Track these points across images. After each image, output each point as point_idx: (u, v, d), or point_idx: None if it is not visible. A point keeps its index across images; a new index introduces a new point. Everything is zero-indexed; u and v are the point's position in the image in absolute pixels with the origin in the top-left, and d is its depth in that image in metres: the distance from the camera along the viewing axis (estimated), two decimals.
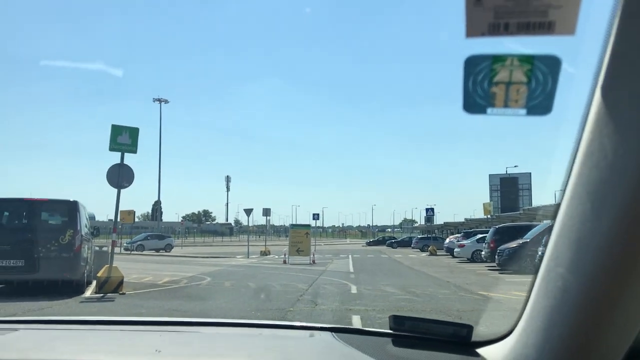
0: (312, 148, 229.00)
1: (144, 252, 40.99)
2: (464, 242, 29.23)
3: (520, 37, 0.76)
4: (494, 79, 0.82)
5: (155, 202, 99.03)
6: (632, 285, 0.84)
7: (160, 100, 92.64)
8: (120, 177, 14.01)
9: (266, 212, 37.11)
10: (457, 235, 38.18)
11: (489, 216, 42.37)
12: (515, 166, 71.76)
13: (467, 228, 49.14)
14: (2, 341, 1.56)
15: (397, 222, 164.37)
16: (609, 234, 0.80)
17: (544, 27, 0.73)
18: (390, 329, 1.53)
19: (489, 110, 0.84)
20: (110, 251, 13.80)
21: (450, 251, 34.58)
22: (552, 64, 0.79)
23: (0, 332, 1.66)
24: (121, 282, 13.05)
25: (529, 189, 67.32)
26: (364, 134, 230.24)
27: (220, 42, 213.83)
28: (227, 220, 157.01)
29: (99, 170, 13.97)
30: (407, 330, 1.50)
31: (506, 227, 23.91)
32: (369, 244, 72.23)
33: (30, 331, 1.76)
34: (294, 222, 34.37)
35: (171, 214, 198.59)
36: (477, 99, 0.83)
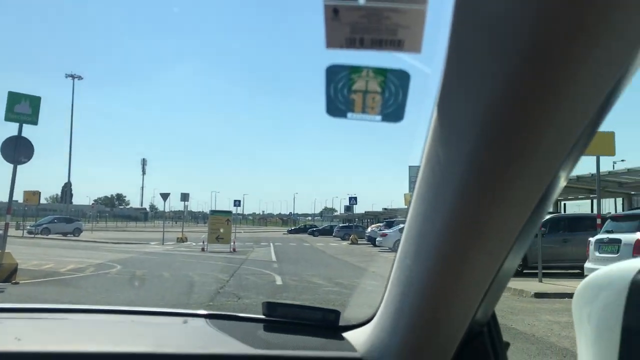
0: (232, 135, 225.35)
1: (50, 236, 37.96)
2: (387, 231, 29.15)
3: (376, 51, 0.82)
4: (353, 87, 0.88)
5: (65, 183, 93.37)
6: (464, 275, 0.95)
7: (73, 77, 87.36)
8: (17, 151, 12.35)
9: (184, 197, 35.32)
10: (378, 224, 38.28)
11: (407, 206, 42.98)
12: None
13: (387, 217, 49.65)
14: None
15: (317, 211, 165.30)
16: (441, 232, 0.90)
17: (395, 44, 0.79)
18: (264, 315, 1.58)
19: (349, 115, 0.89)
20: (3, 234, 12.13)
21: (371, 240, 34.60)
22: (402, 77, 0.86)
23: None
24: (15, 270, 11.56)
25: None
26: (286, 123, 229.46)
27: (140, 22, 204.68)
28: (142, 205, 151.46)
29: None
30: (279, 315, 1.57)
31: None
32: (290, 232, 71.38)
33: None
34: (214, 209, 32.24)
35: (82, 197, 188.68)
36: (338, 104, 0.88)
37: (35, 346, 1.29)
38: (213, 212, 28.89)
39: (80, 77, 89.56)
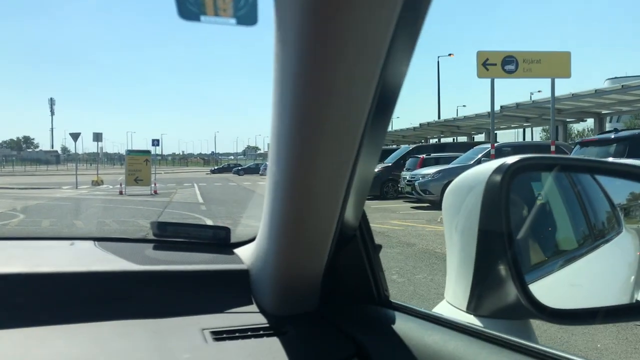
0: (145, 72, 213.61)
1: None
2: None
3: None
4: None
5: None
6: (318, 176, 0.97)
7: None
8: None
9: (97, 137, 32.42)
10: None
11: None
12: None
13: None
14: None
15: (240, 150, 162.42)
16: (288, 132, 0.92)
17: None
18: (154, 235, 1.55)
19: (202, 18, 0.88)
20: None
21: None
22: None
23: None
24: None
25: None
26: (202, 53, 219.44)
27: None
28: (52, 148, 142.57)
29: None
30: (170, 235, 1.54)
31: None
32: (213, 171, 69.20)
33: None
34: (130, 149, 29.84)
35: None
36: (189, 5, 0.86)
37: None
38: (130, 152, 26.64)
39: None
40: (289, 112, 0.90)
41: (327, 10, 0.75)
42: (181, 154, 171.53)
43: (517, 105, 18.93)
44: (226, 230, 1.54)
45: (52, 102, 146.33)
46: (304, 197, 1.03)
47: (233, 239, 1.52)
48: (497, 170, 1.06)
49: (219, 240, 1.53)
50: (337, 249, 1.17)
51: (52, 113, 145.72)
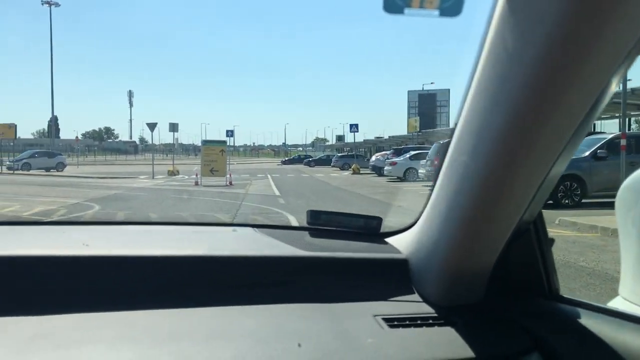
0: (223, 63, 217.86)
1: (31, 172, 35.35)
2: (396, 159, 26.75)
3: None
4: None
5: (51, 117, 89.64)
6: (521, 173, 0.97)
7: (50, 4, 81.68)
8: None
9: (173, 127, 32.42)
10: (383, 152, 35.77)
11: (414, 133, 40.22)
12: (431, 83, 70.40)
13: (388, 145, 47.32)
14: None
15: (309, 141, 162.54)
16: (503, 126, 0.91)
17: None
18: (307, 224, 1.61)
19: (406, 10, 0.90)
20: None
21: (376, 170, 32.35)
22: None
23: None
24: None
25: (447, 106, 66.12)
26: (278, 51, 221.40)
27: None
28: (131, 138, 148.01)
29: None
30: (322, 223, 1.60)
31: None
32: (284, 162, 68.92)
33: None
34: (206, 139, 29.15)
35: (69, 132, 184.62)
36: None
37: (102, 251, 1.36)
38: (205, 142, 26.15)
39: (57, 4, 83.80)
40: (501, 112, 0.90)
41: (591, 11, 0.73)
42: (252, 145, 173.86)
43: (632, 91, 16.72)
44: (378, 220, 1.59)
45: (130, 94, 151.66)
46: (497, 192, 1.03)
47: (383, 229, 1.59)
48: None
49: (370, 229, 1.59)
50: (509, 242, 1.17)
51: (131, 105, 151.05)
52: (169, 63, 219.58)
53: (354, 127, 37.82)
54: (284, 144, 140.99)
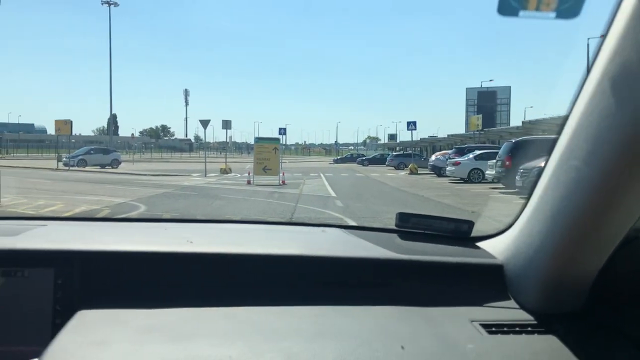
0: (276, 62, 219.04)
1: (86, 169, 35.47)
2: (460, 159, 24.95)
3: None
4: None
5: (111, 115, 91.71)
6: (637, 181, 0.93)
7: (109, 3, 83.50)
8: None
9: (226, 124, 31.72)
10: (444, 152, 33.89)
11: (475, 131, 38.06)
12: (490, 80, 67.37)
13: (445, 144, 45.29)
14: (33, 233, 1.58)
15: (360, 140, 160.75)
16: (625, 129, 0.87)
17: None
18: (396, 226, 1.59)
19: (521, 13, 0.89)
20: None
21: (436, 170, 30.60)
22: None
23: (30, 226, 1.66)
24: None
25: (508, 104, 63.07)
26: (329, 49, 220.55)
27: None
28: (186, 136, 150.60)
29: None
30: (412, 227, 1.58)
31: (526, 141, 19.44)
32: (336, 161, 67.75)
33: (62, 226, 1.84)
34: (259, 136, 27.70)
35: (128, 129, 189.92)
36: (511, 1, 0.87)
37: (206, 248, 1.44)
38: (258, 139, 25.01)
39: (116, 4, 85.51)
40: (626, 116, 0.87)
41: None
42: (303, 143, 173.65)
43: None
44: (469, 224, 1.56)
45: (186, 92, 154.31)
46: (610, 199, 0.99)
47: (474, 233, 1.55)
48: None
49: (461, 233, 1.55)
50: (616, 249, 1.13)
51: (187, 103, 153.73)
52: (223, 62, 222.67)
53: (411, 125, 36.00)
54: (336, 142, 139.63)
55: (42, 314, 1.32)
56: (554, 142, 1.11)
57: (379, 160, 55.45)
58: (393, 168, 42.77)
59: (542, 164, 1.17)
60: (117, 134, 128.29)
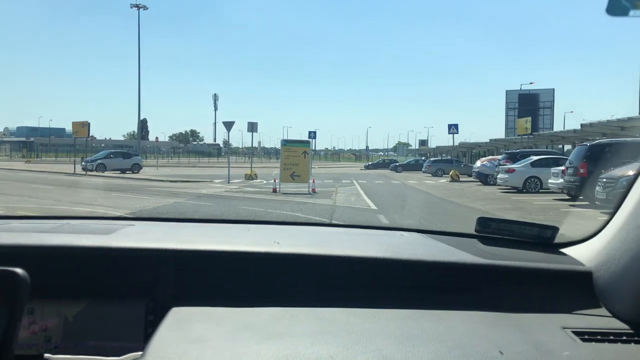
0: (305, 68, 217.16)
1: (105, 174, 33.49)
2: (514, 166, 21.92)
3: None
4: None
5: (141, 120, 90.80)
6: None
7: (138, 7, 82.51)
8: None
9: (252, 126, 29.06)
10: (490, 157, 30.77)
11: (523, 135, 34.71)
12: (530, 83, 63.51)
13: (486, 149, 42.18)
14: (125, 232, 1.62)
15: (390, 146, 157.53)
16: None
17: None
18: (476, 231, 1.57)
19: (631, 12, 0.87)
20: None
21: (482, 177, 27.66)
22: None
23: (118, 226, 1.71)
24: None
25: (551, 107, 59.24)
26: (360, 56, 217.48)
27: None
28: (215, 141, 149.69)
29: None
30: (492, 232, 1.55)
31: (606, 145, 16.35)
32: (367, 167, 64.90)
33: (150, 225, 1.89)
34: (287, 139, 24.95)
35: (157, 134, 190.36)
36: (623, 1, 0.86)
37: (292, 249, 1.47)
38: (286, 142, 21.90)
39: (145, 7, 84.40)
40: None
41: None
42: (332, 149, 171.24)
43: None
44: (552, 230, 1.51)
45: (215, 97, 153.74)
46: None
47: (558, 239, 1.51)
48: None
49: (544, 239, 1.51)
50: None
51: (215, 108, 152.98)
52: (252, 67, 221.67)
53: (452, 128, 32.81)
54: (367, 147, 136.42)
55: (136, 310, 1.36)
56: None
57: (413, 166, 52.49)
58: (430, 175, 39.76)
59: (631, 172, 1.07)
60: (147, 139, 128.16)
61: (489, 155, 36.80)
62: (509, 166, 22.13)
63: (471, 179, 31.10)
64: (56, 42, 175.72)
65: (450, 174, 32.84)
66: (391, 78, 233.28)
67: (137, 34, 78.39)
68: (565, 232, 1.69)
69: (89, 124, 31.86)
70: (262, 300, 1.27)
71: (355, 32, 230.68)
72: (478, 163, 29.14)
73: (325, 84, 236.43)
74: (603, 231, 1.28)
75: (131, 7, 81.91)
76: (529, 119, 35.55)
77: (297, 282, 1.37)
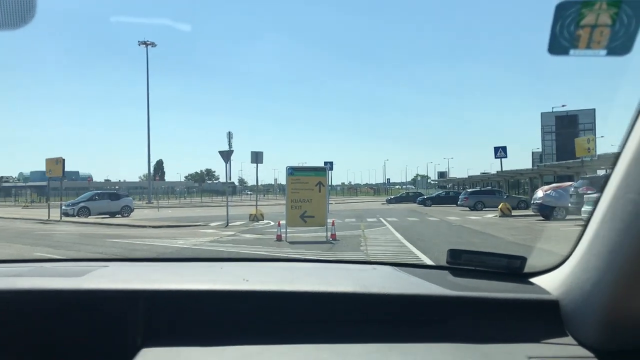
0: (318, 105, 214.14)
1: (89, 219, 28.26)
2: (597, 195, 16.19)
3: None
4: (581, 22, 0.86)
5: (157, 161, 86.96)
6: None
7: (146, 44, 79.10)
8: None
9: (256, 156, 23.74)
10: (554, 185, 24.90)
11: (585, 157, 28.88)
12: (563, 105, 57.86)
13: (529, 177, 36.39)
14: (98, 274, 1.61)
15: (409, 178, 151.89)
16: None
17: None
18: (447, 263, 1.57)
19: (571, 51, 0.90)
20: None
21: (544, 210, 21.82)
22: (637, 6, 0.83)
23: (92, 267, 1.71)
24: None
25: (593, 129, 53.32)
26: (375, 90, 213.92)
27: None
28: (229, 179, 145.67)
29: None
30: (463, 263, 1.55)
31: None
32: (389, 201, 58.86)
33: (123, 267, 1.88)
34: (294, 166, 16.76)
35: (173, 174, 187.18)
36: (562, 41, 0.88)
37: (260, 286, 1.44)
38: (293, 170, 15.60)
39: (153, 44, 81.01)
40: None
41: None
42: (349, 183, 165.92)
43: None
44: (521, 260, 1.51)
45: (229, 135, 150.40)
46: None
47: (527, 269, 1.49)
48: None
49: (513, 269, 1.51)
50: None
51: (230, 146, 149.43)
52: (267, 104, 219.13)
53: (500, 151, 27.28)
54: (388, 180, 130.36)
55: (106, 352, 1.35)
56: (608, 175, 1.09)
57: (444, 199, 46.53)
58: (468, 209, 33.89)
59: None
60: (164, 179, 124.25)
61: (549, 184, 30.91)
62: (591, 194, 16.33)
63: (525, 212, 25.29)
64: (67, 90, 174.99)
65: (500, 207, 26.88)
66: (409, 112, 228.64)
67: (146, 73, 74.77)
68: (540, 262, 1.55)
69: (64, 160, 26.76)
70: (232, 338, 1.27)
71: (368, 68, 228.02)
72: (539, 193, 23.17)
73: (341, 120, 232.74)
74: (569, 259, 1.29)
75: (139, 45, 78.45)
76: (592, 137, 29.75)
77: (266, 320, 1.36)
